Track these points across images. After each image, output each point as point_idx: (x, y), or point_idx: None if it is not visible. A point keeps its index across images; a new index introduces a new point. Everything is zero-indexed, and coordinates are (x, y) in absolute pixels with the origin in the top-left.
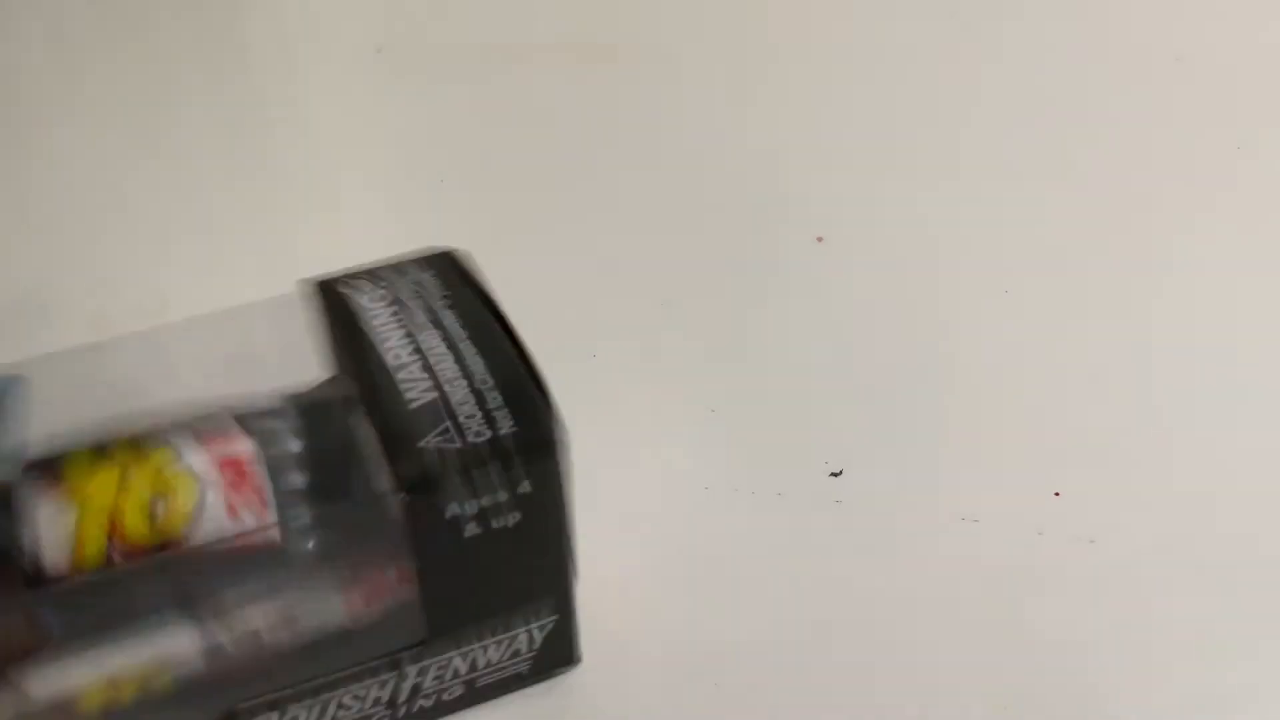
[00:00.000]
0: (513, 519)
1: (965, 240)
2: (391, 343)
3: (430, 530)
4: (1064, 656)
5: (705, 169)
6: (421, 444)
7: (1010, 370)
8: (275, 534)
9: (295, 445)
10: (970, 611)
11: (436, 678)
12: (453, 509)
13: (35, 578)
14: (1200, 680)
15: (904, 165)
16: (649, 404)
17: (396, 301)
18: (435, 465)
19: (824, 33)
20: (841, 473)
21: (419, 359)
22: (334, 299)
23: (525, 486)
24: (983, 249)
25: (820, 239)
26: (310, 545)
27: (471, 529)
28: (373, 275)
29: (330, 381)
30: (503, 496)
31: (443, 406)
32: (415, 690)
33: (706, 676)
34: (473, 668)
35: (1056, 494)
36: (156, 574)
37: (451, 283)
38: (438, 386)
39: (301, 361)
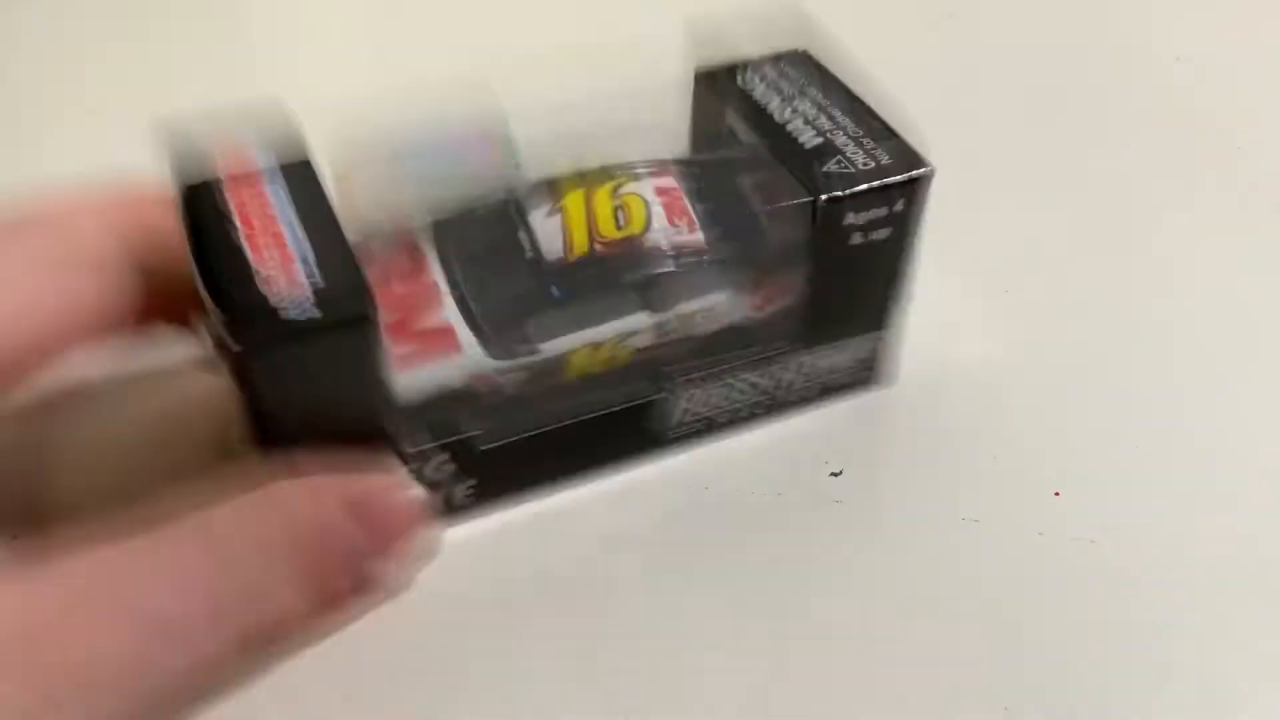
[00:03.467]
0: (884, 234)
1: (964, 239)
2: (773, 106)
3: (829, 234)
4: (1064, 656)
5: None
6: (822, 169)
7: (1010, 370)
8: (703, 240)
9: (703, 184)
10: (970, 611)
11: (802, 373)
12: (849, 217)
13: (538, 264)
14: (1200, 680)
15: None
16: None
17: (767, 80)
18: (835, 183)
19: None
20: (841, 473)
21: (800, 117)
22: (712, 81)
23: (899, 205)
24: (982, 248)
25: None
26: (726, 252)
27: (856, 239)
28: (743, 65)
29: (715, 147)
30: (881, 212)
31: (830, 145)
32: (786, 384)
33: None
34: (828, 369)
35: (1056, 494)
36: (626, 259)
37: (807, 69)
38: (821, 134)
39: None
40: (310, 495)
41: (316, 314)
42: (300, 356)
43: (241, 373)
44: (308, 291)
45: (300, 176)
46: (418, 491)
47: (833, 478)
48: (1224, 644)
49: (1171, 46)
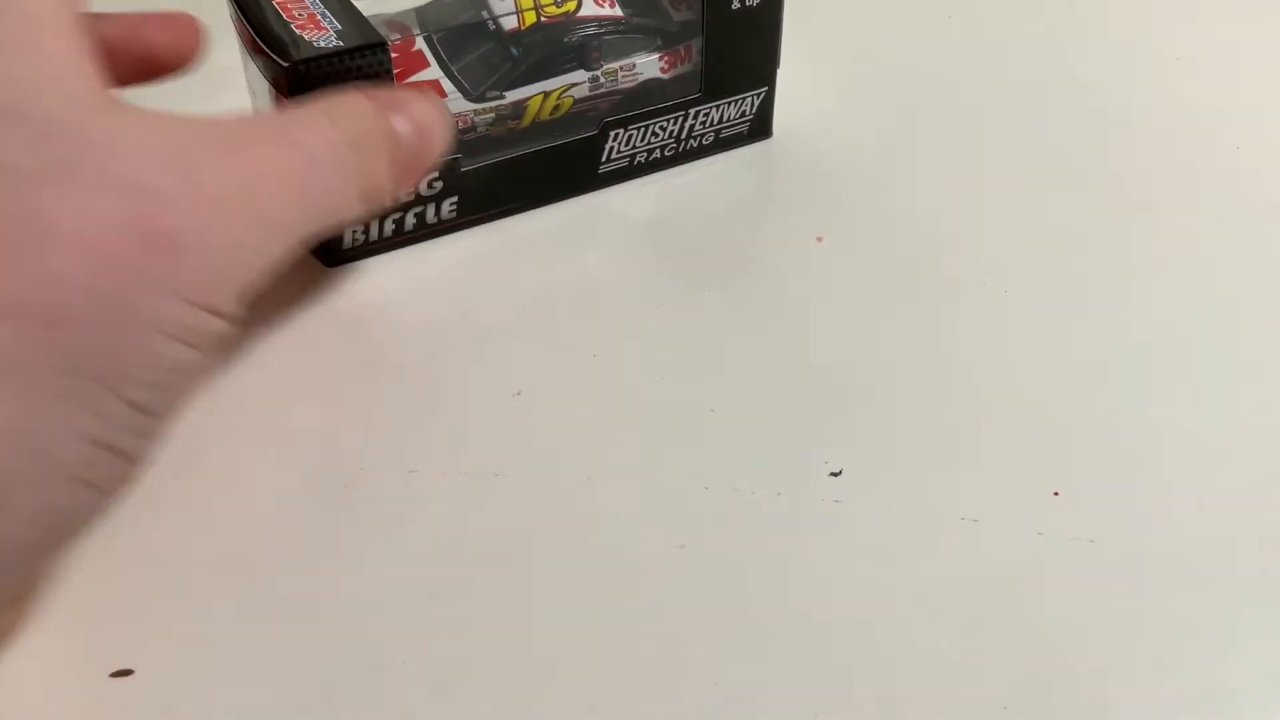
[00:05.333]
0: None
1: (965, 240)
2: None
3: (714, 2)
4: (1064, 656)
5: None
6: None
7: (1010, 370)
8: (620, 14)
9: None
10: (970, 611)
11: (702, 123)
12: None
13: (499, 32)
14: (1200, 679)
15: (903, 165)
16: (646, 404)
17: None
18: None
19: (820, 30)
20: (841, 472)
21: None
22: None
23: None
24: (982, 249)
25: (820, 239)
26: (637, 24)
27: (735, 4)
28: None
29: None
30: None
31: None
32: (689, 131)
33: None
34: (720, 119)
35: (1056, 494)
36: (565, 27)
37: None
38: None
39: None
40: (368, 101)
41: (339, 44)
42: (327, 70)
43: (286, 85)
44: (333, 35)
45: None
46: (443, 107)
47: (832, 478)
48: (1224, 643)
49: (1171, 46)
